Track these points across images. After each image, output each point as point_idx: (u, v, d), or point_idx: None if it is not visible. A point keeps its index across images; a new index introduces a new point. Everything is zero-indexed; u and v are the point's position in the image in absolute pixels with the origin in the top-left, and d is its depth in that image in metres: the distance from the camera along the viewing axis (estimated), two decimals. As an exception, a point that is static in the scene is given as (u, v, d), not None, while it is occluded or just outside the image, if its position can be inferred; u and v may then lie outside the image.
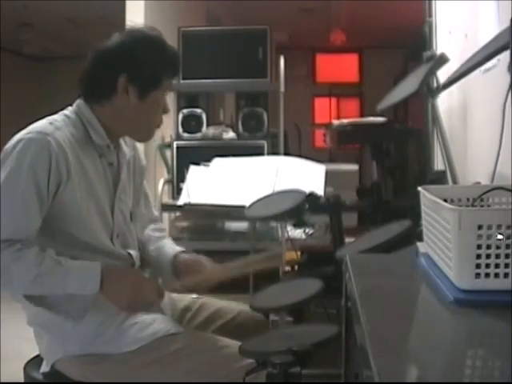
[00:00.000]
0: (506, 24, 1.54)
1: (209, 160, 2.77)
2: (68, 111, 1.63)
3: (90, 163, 1.58)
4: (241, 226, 3.09)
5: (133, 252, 1.68)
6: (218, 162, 2.76)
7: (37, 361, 1.66)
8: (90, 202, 1.56)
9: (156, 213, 1.93)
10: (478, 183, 1.84)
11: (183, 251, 1.78)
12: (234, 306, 1.83)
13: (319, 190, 2.29)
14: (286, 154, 3.13)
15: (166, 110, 1.68)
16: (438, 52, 2.54)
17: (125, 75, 1.57)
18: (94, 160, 1.60)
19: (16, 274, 1.45)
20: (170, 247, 1.80)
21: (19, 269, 1.44)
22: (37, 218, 1.49)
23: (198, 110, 3.35)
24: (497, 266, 0.99)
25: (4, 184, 1.46)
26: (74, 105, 1.64)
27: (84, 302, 1.53)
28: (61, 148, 1.49)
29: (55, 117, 1.59)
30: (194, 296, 1.84)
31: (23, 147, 1.47)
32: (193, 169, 2.75)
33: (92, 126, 1.60)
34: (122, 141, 1.70)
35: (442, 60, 2.19)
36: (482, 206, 1.18)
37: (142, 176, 1.80)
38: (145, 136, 1.71)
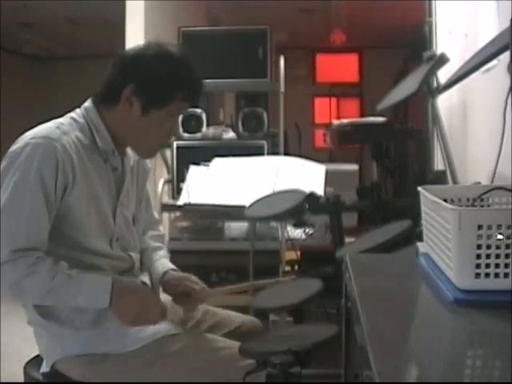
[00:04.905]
0: (506, 24, 1.53)
1: (209, 160, 2.78)
2: (76, 114, 1.61)
3: (94, 168, 1.57)
4: (241, 226, 3.09)
5: (133, 254, 1.68)
6: (217, 161, 2.76)
7: (37, 361, 1.66)
8: (90, 206, 1.55)
9: (157, 216, 1.92)
10: (478, 183, 1.84)
11: (173, 269, 1.75)
12: (236, 316, 1.81)
13: (319, 190, 2.29)
14: (286, 154, 3.14)
15: (172, 133, 1.67)
16: (438, 52, 2.54)
17: (132, 86, 1.54)
18: (99, 165, 1.59)
19: (28, 287, 1.45)
20: (161, 263, 1.77)
21: (32, 283, 1.44)
22: (47, 224, 1.48)
23: (198, 110, 3.35)
24: (497, 266, 0.99)
25: (12, 193, 1.46)
26: (83, 107, 1.62)
27: (93, 313, 1.54)
28: (67, 153, 1.49)
29: (62, 120, 1.58)
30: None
31: (30, 153, 1.46)
32: (193, 169, 2.75)
33: (98, 131, 1.58)
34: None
35: (442, 60, 2.19)
36: (481, 206, 1.18)
37: (145, 179, 1.79)
38: (145, 152, 1.67)
